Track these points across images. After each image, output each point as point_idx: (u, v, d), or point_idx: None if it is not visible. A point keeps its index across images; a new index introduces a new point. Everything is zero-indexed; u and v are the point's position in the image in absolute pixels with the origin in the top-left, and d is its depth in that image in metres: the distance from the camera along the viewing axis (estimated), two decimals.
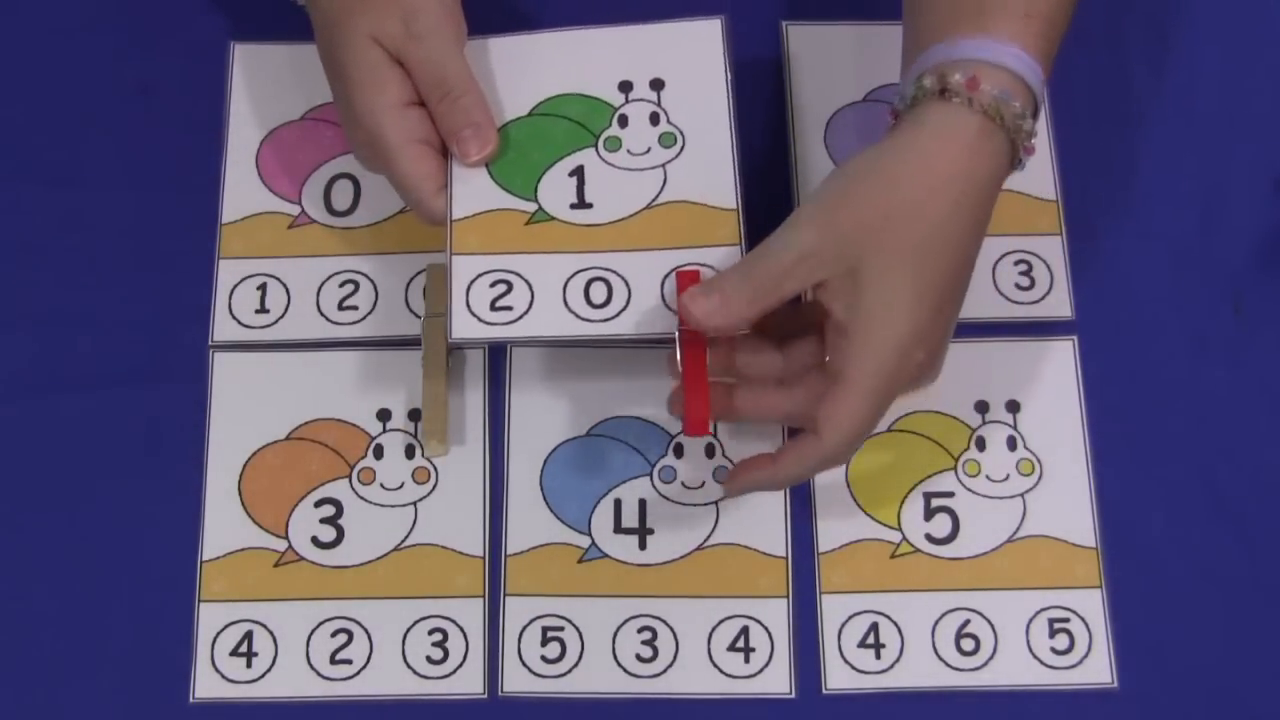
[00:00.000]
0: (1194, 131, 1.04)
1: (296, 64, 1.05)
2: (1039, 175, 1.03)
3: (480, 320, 0.91)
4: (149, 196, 1.03)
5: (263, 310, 1.00)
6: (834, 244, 0.85)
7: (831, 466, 0.88)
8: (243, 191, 1.03)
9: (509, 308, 0.91)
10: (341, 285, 1.01)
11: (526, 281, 0.92)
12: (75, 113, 1.05)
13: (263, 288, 1.01)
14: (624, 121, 0.96)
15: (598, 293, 0.92)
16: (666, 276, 0.91)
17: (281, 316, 1.00)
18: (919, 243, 0.84)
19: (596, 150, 0.96)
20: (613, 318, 0.91)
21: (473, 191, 0.94)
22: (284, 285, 1.01)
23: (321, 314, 1.00)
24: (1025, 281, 1.00)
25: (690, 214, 0.94)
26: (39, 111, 1.05)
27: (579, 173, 0.95)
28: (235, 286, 1.01)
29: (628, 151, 0.95)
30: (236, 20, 1.07)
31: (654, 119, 0.96)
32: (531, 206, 0.94)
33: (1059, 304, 1.00)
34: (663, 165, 0.95)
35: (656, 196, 0.94)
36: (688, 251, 0.92)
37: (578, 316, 0.91)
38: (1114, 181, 1.03)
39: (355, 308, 1.01)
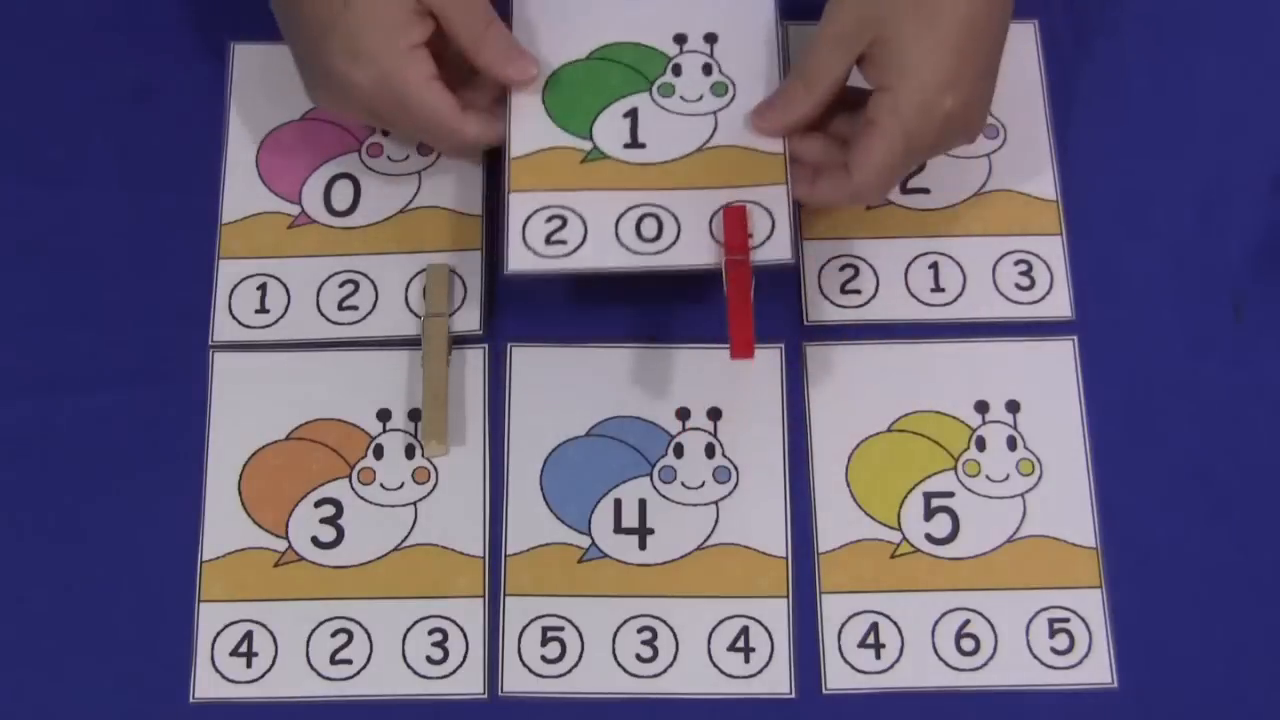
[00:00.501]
0: (1194, 131, 1.04)
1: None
2: (1039, 175, 1.03)
3: (535, 253, 0.95)
4: (149, 197, 1.03)
5: (263, 310, 1.00)
6: (858, 18, 0.93)
7: (861, 201, 0.97)
8: (242, 192, 1.03)
9: (563, 241, 0.95)
10: (341, 285, 1.01)
11: (580, 216, 0.96)
12: (75, 113, 1.05)
13: (263, 288, 1.01)
14: (678, 70, 1.00)
15: (649, 228, 0.96)
16: (715, 213, 0.96)
17: (282, 316, 1.00)
18: None
19: (650, 94, 0.99)
20: (662, 251, 0.95)
21: (530, 130, 0.98)
22: (284, 285, 1.01)
23: (321, 314, 1.00)
24: (1025, 281, 1.00)
25: (740, 157, 0.97)
26: (39, 112, 1.05)
27: (633, 114, 0.99)
28: (235, 286, 1.01)
29: (681, 98, 0.99)
30: (236, 21, 1.07)
31: (707, 70, 1.00)
32: (587, 145, 0.98)
33: (1059, 304, 1.00)
34: (714, 113, 0.99)
35: (708, 140, 0.98)
36: (736, 190, 0.96)
37: (629, 250, 0.95)
38: (1114, 181, 1.03)
39: (355, 307, 1.01)
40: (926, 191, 1.03)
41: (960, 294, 1.00)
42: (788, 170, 0.96)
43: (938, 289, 1.00)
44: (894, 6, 0.92)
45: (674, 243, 0.95)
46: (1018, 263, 1.01)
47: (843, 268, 1.01)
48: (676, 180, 0.97)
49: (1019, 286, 1.00)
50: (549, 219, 0.96)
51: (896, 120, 0.92)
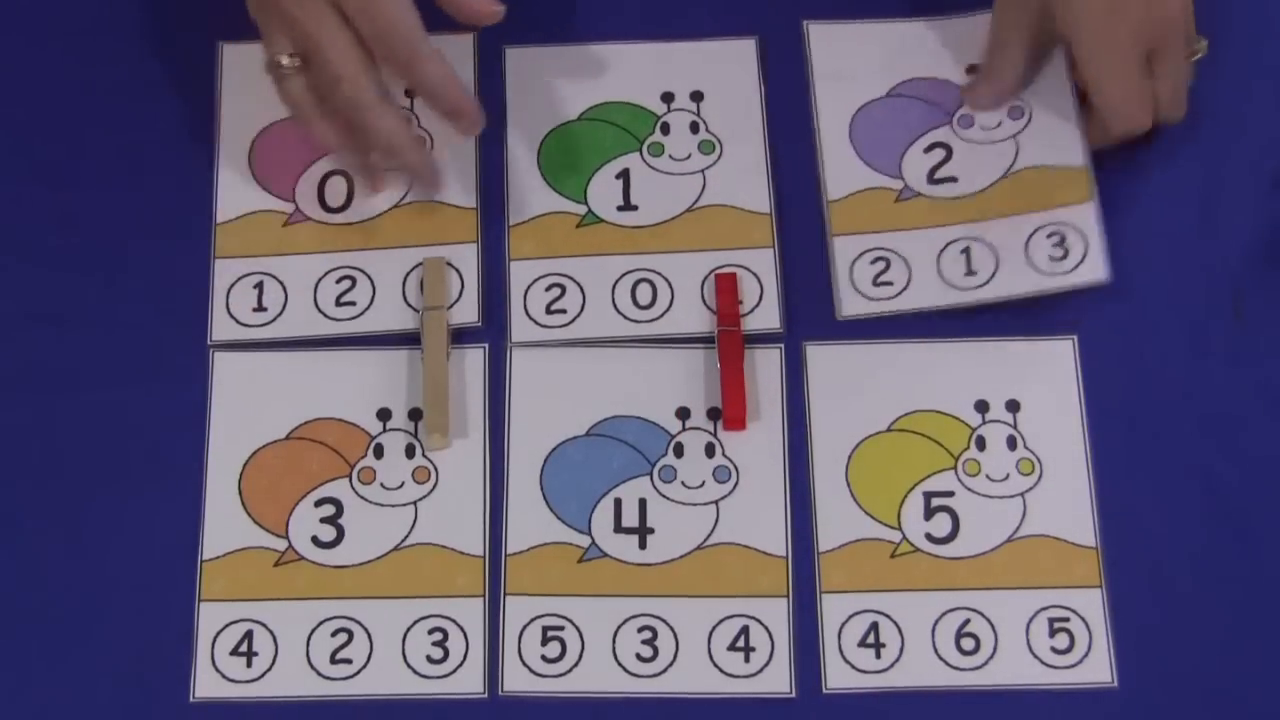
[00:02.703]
0: (1193, 130, 1.04)
1: None
2: (1068, 149, 1.02)
3: (537, 324, 1.00)
4: (148, 197, 1.03)
5: (260, 309, 1.01)
6: None
7: (1122, 120, 0.99)
8: (236, 191, 1.04)
9: (563, 311, 1.00)
10: (339, 281, 1.01)
11: (579, 285, 1.00)
12: (72, 114, 1.05)
13: (259, 286, 1.01)
14: (666, 129, 1.04)
15: (643, 294, 1.00)
16: (706, 278, 1.00)
17: (280, 314, 1.00)
18: None
19: (641, 155, 1.03)
20: (657, 319, 1.00)
21: (528, 195, 1.02)
22: (280, 283, 1.01)
23: (319, 310, 1.01)
24: (1059, 252, 0.99)
25: (728, 217, 1.01)
26: (36, 113, 1.05)
27: (625, 176, 1.02)
28: (232, 285, 1.01)
29: (670, 157, 1.03)
30: (227, 20, 1.06)
31: (694, 128, 1.04)
32: (582, 209, 1.01)
33: (1094, 269, 0.99)
34: (702, 171, 1.02)
35: (696, 200, 1.02)
36: (726, 253, 1.01)
37: (626, 318, 1.00)
38: (1114, 181, 1.03)
39: (353, 303, 1.01)
40: (954, 180, 1.03)
41: (994, 275, 1.00)
42: (775, 231, 1.00)
43: (970, 273, 1.00)
44: None
45: (668, 309, 1.00)
46: (1050, 235, 1.00)
47: (875, 260, 1.01)
48: (668, 243, 1.01)
49: (1052, 258, 0.99)
50: (549, 287, 1.00)
51: (1087, 37, 0.95)
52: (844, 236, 1.01)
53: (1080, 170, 1.01)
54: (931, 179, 1.03)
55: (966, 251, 1.00)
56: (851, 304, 1.00)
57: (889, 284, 1.00)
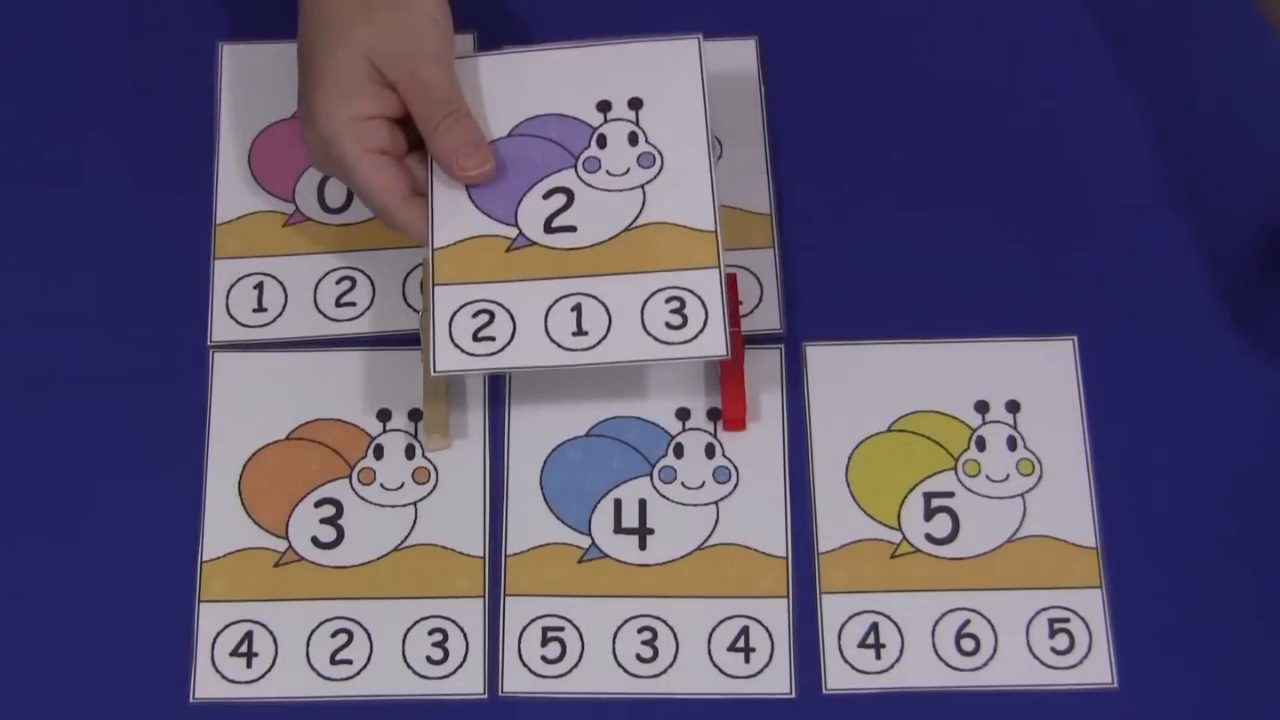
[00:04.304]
0: (1194, 131, 1.04)
1: (286, 63, 1.04)
2: None
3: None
4: (147, 196, 1.03)
5: (260, 309, 1.01)
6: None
7: None
8: (236, 191, 1.03)
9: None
10: (339, 282, 1.01)
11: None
12: (72, 115, 1.05)
13: (259, 286, 1.01)
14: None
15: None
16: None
17: (279, 315, 1.00)
18: None
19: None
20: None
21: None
22: (280, 283, 1.01)
23: (319, 311, 1.01)
24: (676, 320, 0.92)
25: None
26: (35, 113, 1.05)
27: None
28: (232, 286, 1.01)
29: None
30: (226, 20, 1.07)
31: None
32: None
33: (714, 342, 0.93)
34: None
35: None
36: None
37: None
38: (1113, 181, 1.03)
39: (353, 304, 1.01)
40: (573, 230, 0.96)
41: (605, 337, 0.93)
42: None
43: (580, 332, 0.93)
44: None
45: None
46: (670, 300, 0.94)
47: (478, 313, 0.94)
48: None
49: (669, 325, 0.93)
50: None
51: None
52: (446, 286, 0.93)
53: (709, 234, 0.94)
54: (549, 228, 0.95)
55: (578, 309, 0.93)
56: (446, 358, 0.92)
57: (490, 339, 0.92)
